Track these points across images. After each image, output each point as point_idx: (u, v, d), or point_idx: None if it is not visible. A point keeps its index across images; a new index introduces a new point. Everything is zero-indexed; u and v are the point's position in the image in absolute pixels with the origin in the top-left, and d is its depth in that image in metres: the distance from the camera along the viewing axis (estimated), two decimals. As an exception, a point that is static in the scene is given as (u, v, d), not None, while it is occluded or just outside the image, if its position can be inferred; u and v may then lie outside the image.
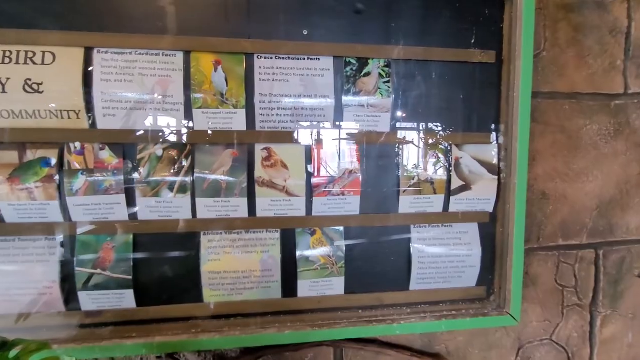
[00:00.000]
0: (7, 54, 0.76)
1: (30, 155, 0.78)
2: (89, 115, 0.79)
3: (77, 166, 0.79)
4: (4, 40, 0.76)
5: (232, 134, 0.83)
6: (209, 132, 0.82)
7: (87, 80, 0.78)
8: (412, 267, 0.92)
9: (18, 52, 0.76)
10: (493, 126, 0.94)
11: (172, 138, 0.81)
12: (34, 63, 0.77)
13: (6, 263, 0.79)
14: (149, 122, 0.81)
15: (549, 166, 1.01)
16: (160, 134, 0.81)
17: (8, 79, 0.76)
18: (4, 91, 0.76)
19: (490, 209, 0.95)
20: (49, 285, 0.80)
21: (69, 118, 0.78)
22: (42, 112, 0.77)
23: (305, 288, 0.89)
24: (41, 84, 0.76)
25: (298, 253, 0.88)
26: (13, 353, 0.62)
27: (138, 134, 0.80)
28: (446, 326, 0.91)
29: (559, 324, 1.08)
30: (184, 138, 0.82)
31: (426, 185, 0.91)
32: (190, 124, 0.82)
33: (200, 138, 0.82)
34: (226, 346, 0.85)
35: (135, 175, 0.80)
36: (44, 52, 0.77)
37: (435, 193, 0.91)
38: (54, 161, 0.78)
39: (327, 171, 0.86)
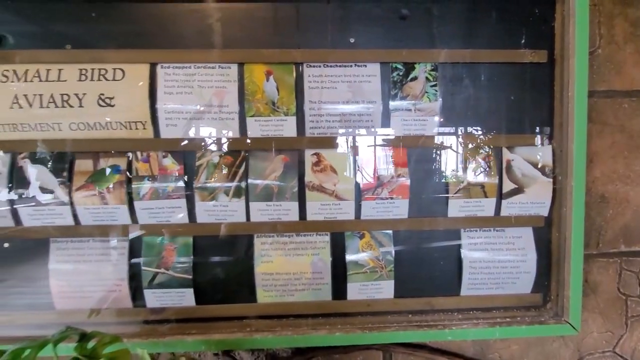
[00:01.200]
0: (83, 71, 0.84)
1: (103, 163, 0.85)
2: (154, 125, 0.85)
3: (144, 173, 0.85)
4: (79, 60, 0.84)
5: (283, 141, 0.86)
6: (261, 139, 0.86)
7: (152, 93, 0.85)
8: (462, 272, 0.91)
9: (92, 69, 0.84)
10: (546, 127, 0.91)
11: (228, 145, 0.86)
12: (106, 79, 0.84)
13: (81, 262, 0.87)
14: (206, 130, 0.86)
15: (608, 168, 0.97)
16: (217, 141, 0.86)
17: (84, 94, 0.84)
18: (80, 105, 0.84)
19: (545, 213, 0.92)
20: (118, 283, 0.87)
21: (137, 129, 0.85)
22: (113, 123, 0.84)
23: (355, 291, 0.90)
24: (113, 98, 0.84)
25: (347, 256, 0.89)
26: (91, 344, 0.67)
27: (197, 142, 0.85)
28: (500, 333, 0.88)
29: (623, 335, 1.02)
30: (238, 145, 0.86)
31: (476, 188, 0.90)
32: (244, 132, 0.86)
33: (253, 145, 0.86)
34: (279, 345, 0.88)
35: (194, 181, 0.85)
36: (114, 69, 0.84)
37: (485, 196, 0.90)
38: (123, 168, 0.85)
39: (376, 175, 0.87)
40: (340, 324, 0.89)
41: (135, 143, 0.85)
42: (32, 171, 0.84)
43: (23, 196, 0.84)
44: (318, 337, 0.86)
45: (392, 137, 0.88)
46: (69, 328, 0.69)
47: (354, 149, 0.88)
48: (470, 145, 0.89)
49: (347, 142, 0.87)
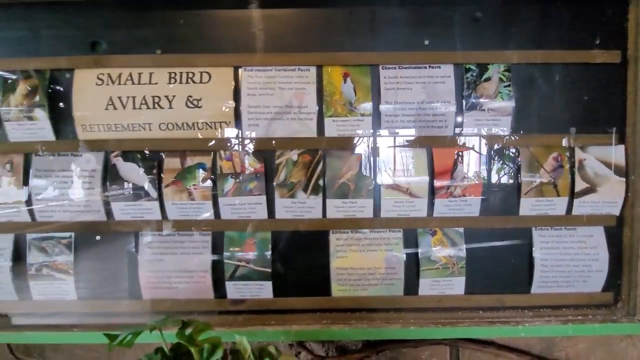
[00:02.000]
0: (172, 75, 0.89)
1: (190, 161, 0.90)
2: (237, 125, 0.89)
3: (227, 170, 0.90)
4: (169, 64, 0.89)
5: (360, 140, 0.89)
6: (338, 138, 0.89)
7: (236, 95, 0.89)
8: (534, 269, 0.92)
9: (181, 73, 0.89)
10: (619, 127, 0.91)
11: (306, 144, 0.90)
12: (194, 82, 0.89)
13: (168, 254, 0.92)
14: (286, 130, 0.89)
15: (681, 168, 0.96)
16: (296, 140, 0.89)
17: (174, 96, 0.89)
18: (170, 107, 0.89)
19: (617, 212, 0.92)
20: (202, 275, 0.92)
21: (221, 128, 0.89)
22: (199, 124, 0.89)
23: (427, 287, 0.92)
24: (200, 99, 0.89)
25: (420, 252, 0.92)
26: (188, 331, 0.72)
27: (277, 141, 0.89)
28: (573, 331, 0.89)
29: (695, 337, 1.01)
30: (316, 144, 0.89)
31: (548, 187, 0.91)
32: (321, 132, 0.89)
33: (331, 144, 0.89)
34: (354, 337, 0.91)
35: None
36: (201, 72, 0.89)
37: (558, 195, 0.91)
38: (208, 166, 0.89)
39: (449, 174, 0.90)
40: (413, 319, 0.91)
41: (219, 142, 0.90)
42: (125, 169, 0.90)
43: (116, 192, 0.89)
44: (392, 330, 0.89)
45: (466, 136, 0.90)
46: (168, 316, 0.74)
47: (428, 148, 0.90)
48: (542, 145, 0.90)
49: (420, 141, 0.90)
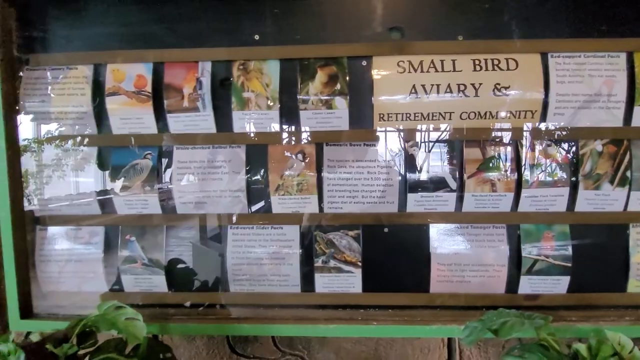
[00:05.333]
0: (477, 62, 0.86)
1: (491, 151, 0.87)
2: (542, 115, 0.86)
3: (531, 161, 0.86)
4: (472, 50, 0.86)
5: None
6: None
7: (546, 83, 0.85)
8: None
9: (485, 60, 0.86)
10: None
11: (612, 134, 0.86)
12: (500, 69, 0.85)
13: (462, 247, 0.89)
14: (591, 119, 0.86)
15: None
16: (601, 130, 0.86)
17: (480, 84, 0.85)
18: (476, 95, 0.86)
19: None
20: (498, 269, 0.89)
21: (524, 118, 0.86)
22: (502, 113, 0.86)
23: None
24: (508, 87, 0.85)
25: None
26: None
27: (581, 131, 0.86)
28: None
29: None
30: (624, 134, 0.85)
31: None
32: (628, 121, 0.85)
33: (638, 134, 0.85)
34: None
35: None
36: (507, 59, 0.86)
37: None
38: (512, 156, 0.86)
39: None
40: None
41: (519, 132, 0.86)
42: (423, 159, 0.87)
43: (413, 182, 0.87)
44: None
45: None
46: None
47: None
48: None
49: None
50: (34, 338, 0.72)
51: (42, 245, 0.94)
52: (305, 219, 0.90)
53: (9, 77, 0.88)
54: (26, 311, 0.92)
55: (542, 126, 0.87)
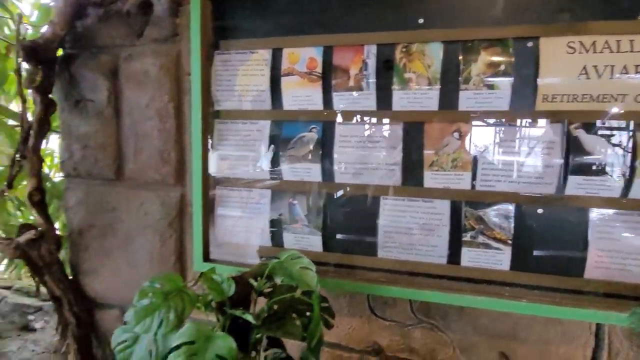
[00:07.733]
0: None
1: None
2: None
3: None
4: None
5: None
6: None
7: None
8: None
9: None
10: None
11: None
12: None
13: (623, 234, 0.86)
14: None
15: None
16: None
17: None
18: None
19: None
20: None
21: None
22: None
23: None
24: None
25: None
26: None
27: None
28: None
29: None
30: None
31: None
32: None
33: None
34: None
35: None
36: None
37: None
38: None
39: None
40: None
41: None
42: (589, 142, 0.86)
43: (576, 165, 0.86)
44: None
45: None
46: None
47: None
48: None
49: None
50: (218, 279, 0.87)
51: (221, 203, 1.12)
52: (454, 195, 0.94)
53: (207, 59, 1.06)
54: (205, 256, 1.11)
55: None
